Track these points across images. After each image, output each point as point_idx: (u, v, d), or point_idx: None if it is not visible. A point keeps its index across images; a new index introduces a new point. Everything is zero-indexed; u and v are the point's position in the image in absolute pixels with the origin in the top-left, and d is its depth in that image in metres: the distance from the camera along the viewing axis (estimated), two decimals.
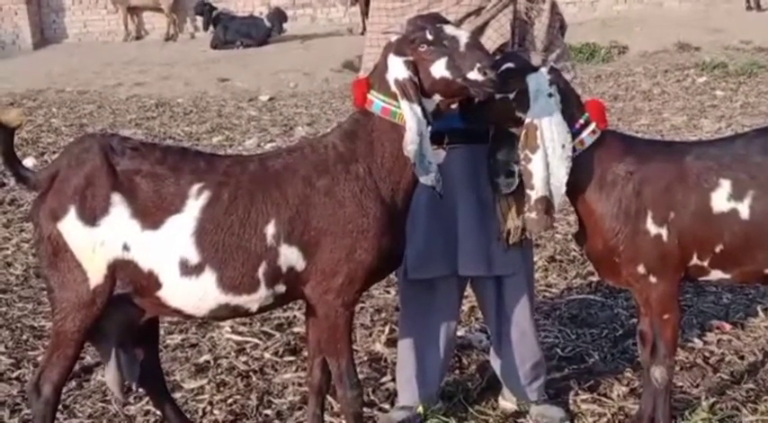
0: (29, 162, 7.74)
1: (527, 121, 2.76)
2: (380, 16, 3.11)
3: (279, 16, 16.01)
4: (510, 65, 2.75)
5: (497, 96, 2.73)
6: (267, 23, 15.95)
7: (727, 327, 4.02)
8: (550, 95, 2.76)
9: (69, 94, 12.37)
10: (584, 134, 2.82)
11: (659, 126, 8.87)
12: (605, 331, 4.08)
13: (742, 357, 3.73)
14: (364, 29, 16.70)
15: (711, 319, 4.12)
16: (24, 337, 4.32)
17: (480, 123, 2.89)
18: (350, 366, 2.83)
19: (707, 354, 3.78)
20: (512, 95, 2.76)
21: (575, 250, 5.20)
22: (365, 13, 16.54)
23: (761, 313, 4.15)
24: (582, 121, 2.83)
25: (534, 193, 2.77)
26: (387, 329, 4.21)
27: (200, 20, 16.72)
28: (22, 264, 5.43)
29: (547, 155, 2.74)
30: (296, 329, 4.26)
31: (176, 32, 17.17)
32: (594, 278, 4.75)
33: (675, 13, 15.47)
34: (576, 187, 2.83)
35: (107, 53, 15.74)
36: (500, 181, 2.94)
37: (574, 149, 2.79)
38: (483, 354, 3.88)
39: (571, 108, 2.82)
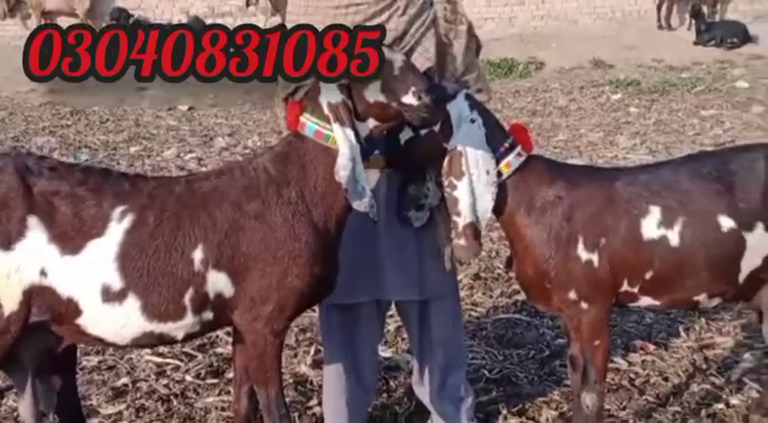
0: None
1: (451, 148, 2.74)
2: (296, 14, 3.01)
3: (198, 24, 15.79)
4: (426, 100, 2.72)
5: (423, 132, 2.71)
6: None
7: (651, 347, 4.07)
8: (473, 121, 2.75)
9: None
10: (510, 157, 2.81)
11: (577, 142, 9.02)
12: (532, 352, 4.09)
13: (666, 379, 3.77)
14: None
15: (635, 339, 4.17)
16: None
17: (409, 163, 2.85)
18: (279, 396, 2.75)
19: (632, 375, 3.81)
20: (437, 128, 2.73)
21: (499, 268, 5.22)
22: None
23: (683, 333, 4.22)
24: (507, 144, 2.82)
25: (462, 220, 2.75)
26: (312, 350, 4.14)
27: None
28: None
29: (472, 181, 2.72)
30: (219, 350, 4.15)
31: None
32: (520, 297, 4.76)
33: (590, 31, 15.81)
34: (505, 212, 2.82)
35: (19, 58, 15.24)
36: (411, 214, 2.93)
37: (500, 173, 2.77)
38: (410, 376, 3.83)
39: (494, 132, 2.81)
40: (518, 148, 2.81)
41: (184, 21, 16.15)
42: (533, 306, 4.58)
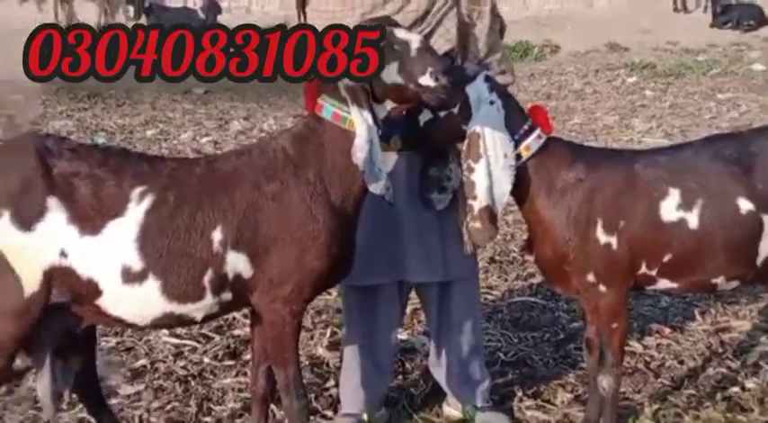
0: None
1: (469, 130, 2.73)
2: (317, 19, 3.02)
3: (213, 8, 15.81)
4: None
5: (441, 114, 2.71)
6: (201, 15, 15.73)
7: (667, 330, 4.06)
8: (491, 103, 2.74)
9: None
10: (530, 139, 2.80)
11: (592, 125, 9.00)
12: (547, 335, 4.09)
13: (682, 362, 3.77)
14: (299, 23, 16.57)
15: (651, 322, 4.16)
16: None
17: (429, 145, 2.85)
18: (297, 376, 2.76)
19: (648, 358, 3.81)
20: (455, 109, 2.73)
21: (514, 251, 5.22)
22: (301, 6, 16.44)
23: (698, 316, 4.21)
24: (526, 126, 2.81)
25: (477, 203, 2.74)
26: (328, 332, 4.16)
27: (131, 9, 16.40)
28: None
29: (489, 164, 2.71)
30: (236, 332, 4.17)
31: (107, 22, 16.80)
32: (535, 280, 4.77)
33: (605, 13, 15.76)
34: (524, 195, 2.81)
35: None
36: (433, 196, 2.93)
37: (519, 156, 2.77)
38: (426, 358, 3.84)
39: (513, 114, 2.80)
40: (537, 131, 2.80)
41: (200, 4, 16.16)
42: (549, 289, 4.61)
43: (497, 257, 5.14)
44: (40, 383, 2.76)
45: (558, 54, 13.77)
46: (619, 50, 13.68)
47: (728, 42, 13.82)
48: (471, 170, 2.72)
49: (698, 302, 4.34)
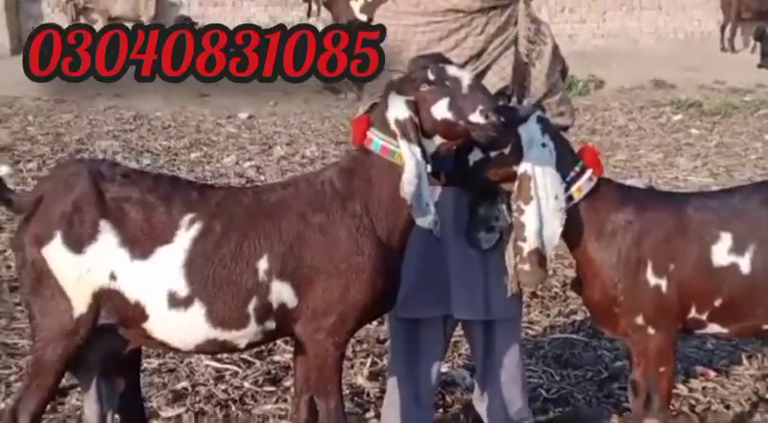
0: (2, 170, 7.60)
1: (520, 171, 2.72)
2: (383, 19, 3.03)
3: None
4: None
5: (492, 153, 2.71)
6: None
7: (712, 374, 4.00)
8: (544, 145, 2.72)
9: (46, 103, 12.20)
10: (581, 181, 2.79)
11: (636, 162, 8.92)
12: (590, 373, 4.04)
13: (728, 407, 3.70)
14: None
15: (695, 364, 4.10)
16: None
17: (478, 184, 2.83)
18: (339, 408, 2.76)
19: (693, 401, 3.74)
20: (507, 150, 2.72)
21: (557, 287, 5.18)
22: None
23: (745, 361, 4.13)
24: (577, 168, 2.80)
25: (527, 246, 2.73)
26: (368, 362, 4.15)
27: None
28: None
29: (540, 206, 2.70)
30: (276, 358, 4.18)
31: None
32: (577, 317, 4.72)
33: (651, 51, 15.65)
34: (574, 236, 2.79)
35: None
36: (480, 236, 2.92)
37: (571, 198, 2.76)
38: (467, 392, 3.82)
39: (565, 156, 2.79)
40: (588, 172, 2.78)
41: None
42: (591, 326, 4.56)
43: (539, 292, 5.09)
44: (87, 405, 2.80)
45: (602, 89, 13.70)
46: (664, 87, 13.59)
47: None
48: (521, 212, 2.71)
49: (744, 346, 4.26)
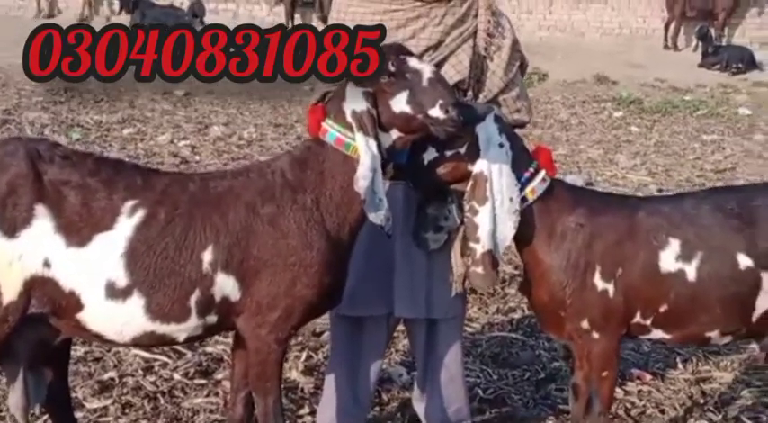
0: None
1: (476, 171, 2.66)
2: (336, 12, 2.97)
3: (200, 8, 15.69)
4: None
5: (447, 153, 2.64)
6: (187, 14, 15.60)
7: (648, 377, 4.01)
8: (501, 145, 2.67)
9: None
10: (535, 183, 2.75)
11: (576, 157, 8.99)
12: (527, 373, 4.02)
13: (663, 411, 3.71)
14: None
15: (631, 367, 4.11)
16: None
17: (431, 185, 2.75)
18: (277, 405, 2.68)
19: (628, 405, 3.74)
20: (463, 149, 2.66)
21: (496, 284, 5.15)
22: (290, 14, 16.35)
23: (680, 364, 4.16)
24: (531, 169, 2.75)
25: (480, 247, 2.67)
26: (303, 355, 4.07)
27: (117, 2, 16.22)
28: None
29: (494, 208, 2.65)
30: (208, 349, 4.07)
31: (91, 14, 16.66)
32: (516, 315, 4.71)
33: (596, 45, 15.81)
34: (524, 237, 2.75)
35: (15, 29, 14.91)
36: (428, 236, 2.85)
37: (525, 199, 2.71)
38: (403, 390, 3.77)
39: (520, 156, 2.74)
40: (542, 174, 2.74)
41: (187, 4, 16.04)
42: (529, 325, 4.56)
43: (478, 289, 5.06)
44: (12, 396, 2.66)
45: (545, 82, 13.78)
46: (607, 83, 13.73)
47: (716, 83, 13.92)
48: (475, 212, 2.65)
49: (679, 350, 4.29)
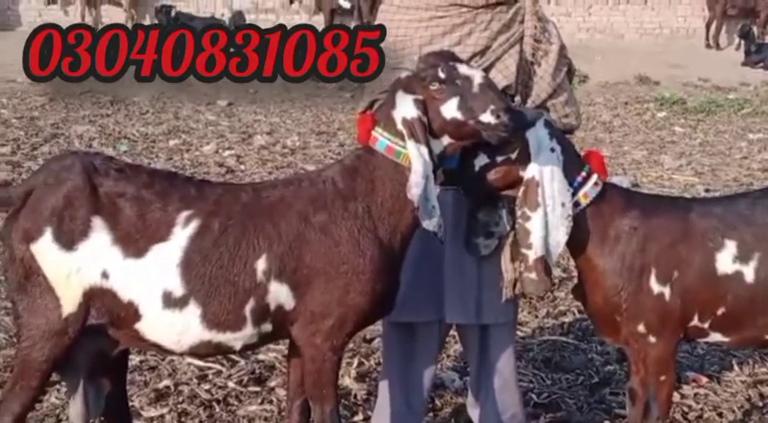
0: None
1: (527, 177, 2.64)
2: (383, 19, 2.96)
3: (241, 19, 15.84)
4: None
5: (498, 158, 2.63)
6: (228, 25, 15.73)
7: (704, 380, 3.96)
8: (552, 150, 2.65)
9: (20, 85, 11.99)
10: (588, 187, 2.72)
11: (620, 159, 8.91)
12: (581, 378, 3.99)
13: (720, 414, 3.66)
14: None
15: (687, 370, 4.06)
16: None
17: (482, 191, 2.74)
18: (334, 413, 2.68)
19: (685, 408, 3.70)
20: (514, 155, 2.65)
21: (549, 291, 5.11)
22: (330, 22, 16.43)
23: (736, 367, 4.10)
24: (584, 173, 2.73)
25: (532, 254, 2.65)
26: (355, 362, 4.07)
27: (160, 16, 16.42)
28: None
29: (546, 214, 2.63)
30: (261, 357, 4.09)
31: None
32: (567, 319, 4.68)
33: (636, 46, 15.68)
34: (577, 242, 2.73)
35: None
36: (479, 242, 2.83)
37: (577, 204, 2.69)
38: (456, 395, 3.77)
39: (571, 161, 2.72)
40: (594, 178, 2.72)
41: (228, 15, 16.19)
42: (580, 328, 4.53)
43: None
44: (73, 407, 2.70)
45: (586, 84, 13.67)
46: (648, 84, 13.60)
47: (760, 82, 13.72)
48: (527, 218, 2.64)
49: (735, 352, 4.23)
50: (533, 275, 2.65)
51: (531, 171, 2.63)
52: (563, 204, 2.63)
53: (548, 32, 2.92)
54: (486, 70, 2.83)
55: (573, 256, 2.82)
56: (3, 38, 16.13)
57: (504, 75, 2.85)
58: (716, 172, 8.31)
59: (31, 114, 10.29)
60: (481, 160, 2.66)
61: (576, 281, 5.01)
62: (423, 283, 2.95)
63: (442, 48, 2.74)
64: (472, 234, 2.83)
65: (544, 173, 2.61)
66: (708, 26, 15.90)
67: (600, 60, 14.63)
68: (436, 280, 2.96)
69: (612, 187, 2.83)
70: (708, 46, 15.89)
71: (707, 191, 7.54)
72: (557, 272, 5.33)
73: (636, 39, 16.26)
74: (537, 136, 2.64)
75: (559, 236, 2.64)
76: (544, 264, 2.65)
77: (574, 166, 2.71)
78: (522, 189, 2.65)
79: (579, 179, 2.71)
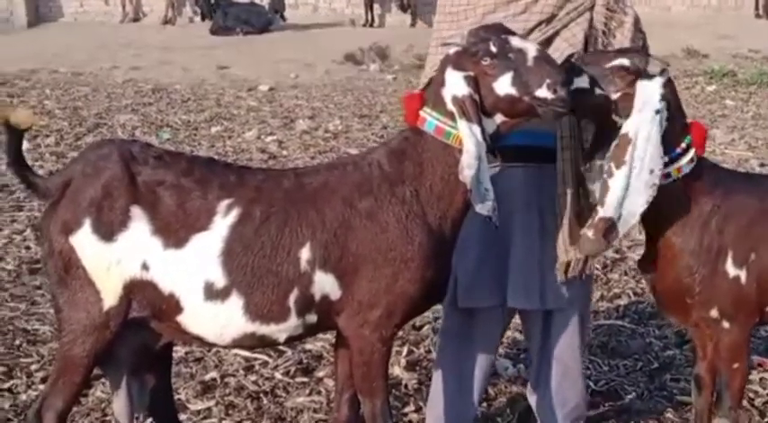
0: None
1: (622, 132, 2.43)
2: (443, 22, 2.84)
3: (280, 4, 15.75)
4: (624, 62, 2.44)
5: (597, 92, 2.44)
6: (268, 11, 15.68)
7: None
8: (657, 112, 2.42)
9: (63, 76, 12.06)
10: (684, 161, 2.52)
11: None
12: (639, 363, 3.84)
13: None
14: (367, 20, 16.43)
15: (752, 354, 3.88)
16: (17, 341, 4.03)
17: (572, 113, 2.51)
18: (385, 406, 2.57)
19: (751, 394, 3.53)
20: (615, 96, 2.44)
21: (597, 269, 4.96)
22: (369, 5, 16.28)
23: None
24: (684, 145, 2.52)
25: (602, 211, 2.45)
26: (405, 351, 3.96)
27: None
28: (14, 258, 5.12)
29: (631, 175, 2.42)
30: (308, 347, 3.99)
31: (175, 16, 16.89)
32: (621, 302, 4.53)
33: (683, 18, 15.29)
34: (658, 215, 2.52)
35: (103, 34, 15.40)
36: (595, 188, 2.56)
37: (668, 176, 2.48)
38: (510, 384, 3.64)
39: (675, 129, 2.50)
40: (692, 153, 2.52)
41: (267, 0, 16.11)
42: (636, 311, 4.37)
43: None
44: (117, 403, 2.64)
45: None
46: (697, 57, 13.26)
47: None
48: (610, 174, 2.44)
49: None
50: (590, 233, 2.48)
51: (627, 126, 2.43)
52: (651, 171, 2.42)
53: (622, 2, 2.77)
54: (551, 39, 2.71)
55: (646, 230, 2.65)
56: (46, 29, 16.30)
57: (570, 43, 2.70)
58: None
59: (75, 105, 10.30)
60: (581, 82, 2.45)
61: (630, 261, 4.95)
62: (488, 266, 2.83)
63: (506, 16, 2.64)
64: (589, 180, 2.61)
65: (640, 132, 2.41)
66: None
67: (647, 34, 14.29)
68: (501, 264, 2.83)
69: (704, 162, 2.61)
70: (757, 15, 15.45)
71: (762, 165, 7.30)
72: (608, 252, 5.16)
73: (683, 11, 15.88)
74: (646, 91, 2.43)
75: (638, 204, 2.43)
76: (607, 226, 2.46)
77: (676, 135, 2.51)
78: (614, 143, 2.46)
79: (678, 150, 2.51)
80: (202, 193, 2.43)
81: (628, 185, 2.42)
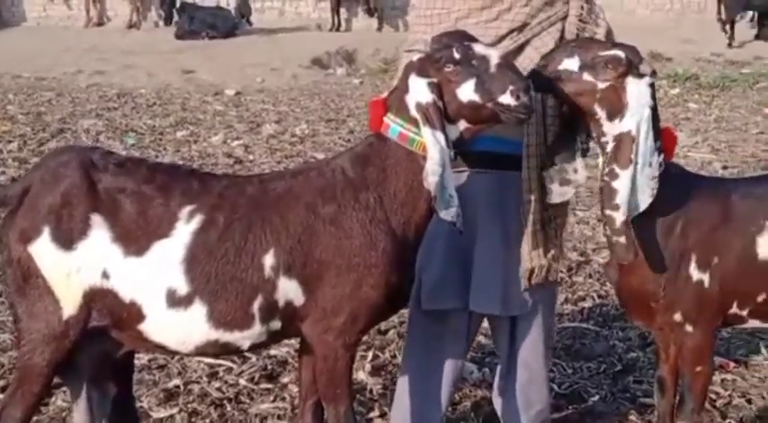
0: None
1: (623, 131, 2.42)
2: (418, 25, 2.86)
3: (246, 8, 15.71)
4: (620, 54, 2.43)
5: (586, 77, 2.42)
6: (234, 15, 15.63)
7: (731, 365, 3.83)
8: (651, 108, 2.44)
9: (26, 81, 11.95)
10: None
11: None
12: (603, 366, 3.86)
13: (749, 401, 3.53)
14: (333, 25, 16.42)
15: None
16: None
17: (550, 92, 2.52)
18: (349, 413, 2.56)
19: (713, 396, 3.55)
20: (602, 85, 2.43)
21: (562, 272, 4.98)
22: (335, 9, 16.28)
23: (763, 350, 3.97)
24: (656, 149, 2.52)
25: (620, 215, 2.43)
26: (370, 355, 3.95)
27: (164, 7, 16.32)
28: None
29: (636, 172, 2.42)
30: (272, 352, 3.97)
31: (140, 20, 16.76)
32: (586, 304, 4.56)
33: (647, 22, 15.45)
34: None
35: (67, 39, 15.25)
36: (553, 187, 2.62)
37: None
38: (475, 388, 3.65)
39: (654, 131, 2.49)
40: (661, 157, 2.51)
41: (233, 5, 16.05)
42: (600, 314, 4.40)
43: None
44: (77, 413, 2.61)
45: None
46: (661, 60, 13.39)
47: None
48: (615, 176, 2.43)
49: (761, 334, 4.09)
50: (623, 239, 2.45)
51: (628, 124, 2.42)
52: (650, 164, 2.43)
53: (594, 14, 2.79)
54: (523, 47, 2.73)
55: None
56: (8, 33, 16.10)
57: (541, 52, 2.70)
58: (733, 148, 8.15)
59: (38, 110, 10.21)
60: (570, 64, 2.44)
61: (595, 264, 4.98)
62: (453, 269, 2.82)
63: (479, 22, 2.66)
64: (548, 179, 2.64)
65: (641, 129, 2.41)
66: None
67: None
68: (466, 268, 2.83)
69: (674, 167, 2.63)
70: (719, 19, 15.63)
71: (724, 168, 7.40)
72: (574, 255, 5.20)
73: (647, 14, 16.04)
74: (641, 89, 2.43)
75: (644, 199, 2.44)
76: (629, 226, 2.46)
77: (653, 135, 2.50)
78: (612, 144, 2.45)
79: None
80: (164, 199, 2.41)
81: (634, 183, 2.43)
